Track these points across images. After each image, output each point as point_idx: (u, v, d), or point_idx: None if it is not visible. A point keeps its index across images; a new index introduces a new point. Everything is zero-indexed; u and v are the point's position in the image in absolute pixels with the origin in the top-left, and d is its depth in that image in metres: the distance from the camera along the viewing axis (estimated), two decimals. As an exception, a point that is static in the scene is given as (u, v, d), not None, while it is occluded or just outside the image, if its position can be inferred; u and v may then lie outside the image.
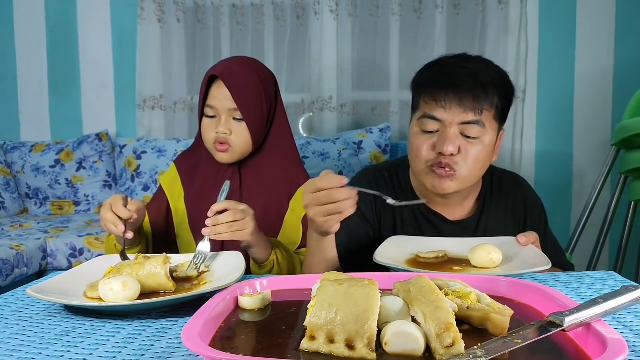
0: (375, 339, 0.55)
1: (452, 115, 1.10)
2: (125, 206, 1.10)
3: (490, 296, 0.68)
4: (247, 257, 1.11)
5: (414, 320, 0.59)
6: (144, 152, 2.86)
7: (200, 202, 1.32)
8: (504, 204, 1.25)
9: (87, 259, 2.28)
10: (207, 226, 1.04)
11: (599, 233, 2.35)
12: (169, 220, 1.37)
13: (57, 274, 0.93)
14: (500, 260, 0.97)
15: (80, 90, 3.15)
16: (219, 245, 1.21)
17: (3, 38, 3.16)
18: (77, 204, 2.93)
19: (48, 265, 2.34)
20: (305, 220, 1.35)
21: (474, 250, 0.98)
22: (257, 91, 1.30)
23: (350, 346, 0.55)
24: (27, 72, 3.17)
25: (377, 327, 0.56)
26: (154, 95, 3.01)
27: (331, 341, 0.55)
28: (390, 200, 1.00)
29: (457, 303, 0.64)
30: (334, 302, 0.57)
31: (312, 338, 0.56)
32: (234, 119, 1.28)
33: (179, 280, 0.92)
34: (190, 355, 0.63)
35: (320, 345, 0.56)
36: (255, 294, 0.74)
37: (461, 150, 1.11)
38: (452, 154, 1.10)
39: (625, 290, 0.62)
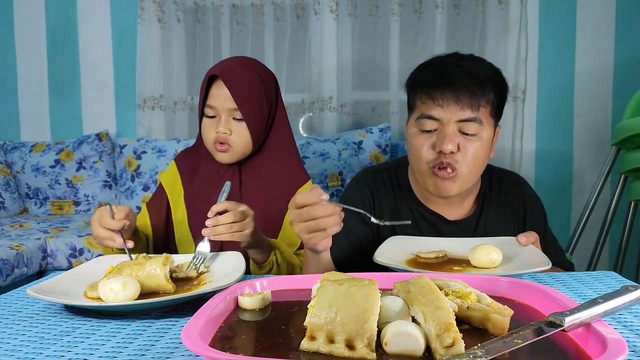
0: (375, 339, 0.55)
1: (450, 113, 1.10)
2: (113, 217, 1.06)
3: (490, 296, 0.68)
4: (246, 258, 1.11)
5: (414, 320, 0.59)
6: (144, 152, 2.86)
7: (199, 202, 1.32)
8: (503, 203, 1.25)
9: (87, 259, 2.28)
10: (207, 226, 1.04)
11: (599, 233, 2.35)
12: (169, 218, 1.37)
13: (57, 274, 0.93)
14: (500, 260, 0.97)
15: (80, 90, 3.15)
16: (219, 246, 1.21)
17: (3, 38, 3.16)
18: (77, 204, 2.93)
19: (48, 265, 2.34)
20: None
21: (474, 250, 0.98)
22: (257, 91, 1.29)
23: (350, 346, 0.55)
24: (27, 72, 3.17)
25: (377, 327, 0.56)
26: (154, 95, 3.01)
27: (331, 341, 0.55)
28: (374, 220, 1.00)
29: (457, 303, 0.64)
30: (334, 302, 0.57)
31: (312, 338, 0.56)
32: (234, 118, 1.28)
33: (179, 280, 0.91)
34: (190, 355, 0.63)
35: (320, 345, 0.56)
36: (255, 294, 0.74)
37: (460, 148, 1.11)
38: (451, 152, 1.10)
39: (625, 290, 0.62)
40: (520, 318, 0.66)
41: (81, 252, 2.33)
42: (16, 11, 3.15)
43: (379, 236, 1.22)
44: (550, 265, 0.91)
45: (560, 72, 2.84)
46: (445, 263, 1.02)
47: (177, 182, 1.38)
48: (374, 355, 0.54)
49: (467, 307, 0.63)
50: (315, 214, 0.92)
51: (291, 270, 1.24)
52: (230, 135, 1.28)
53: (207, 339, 0.59)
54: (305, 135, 2.97)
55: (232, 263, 0.95)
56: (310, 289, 0.71)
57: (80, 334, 0.71)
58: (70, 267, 2.31)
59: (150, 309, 0.79)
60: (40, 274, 2.31)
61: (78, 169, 2.91)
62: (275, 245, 1.22)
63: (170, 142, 2.87)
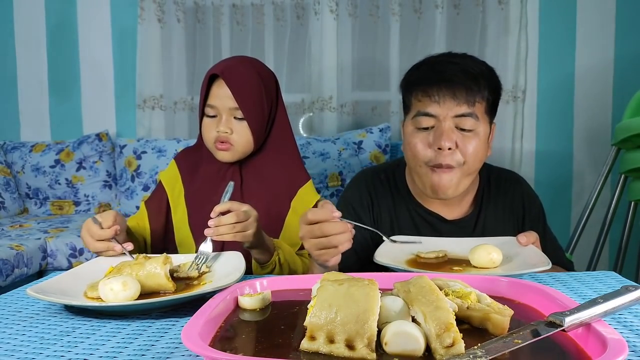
0: (375, 339, 0.55)
1: (446, 109, 1.11)
2: (101, 226, 1.03)
3: (490, 296, 0.68)
4: (248, 257, 1.11)
5: (414, 320, 0.59)
6: (144, 152, 2.86)
7: (200, 201, 1.32)
8: (502, 202, 1.26)
9: (87, 259, 2.27)
10: (209, 226, 1.04)
11: (599, 233, 2.35)
12: (169, 218, 1.37)
13: (57, 274, 0.93)
14: (500, 260, 0.97)
15: (80, 90, 3.15)
16: (220, 246, 1.21)
17: (3, 38, 3.16)
18: (77, 204, 2.93)
19: (48, 265, 2.34)
20: None
21: (474, 250, 0.98)
22: (258, 90, 1.29)
23: (350, 346, 0.55)
24: (27, 72, 3.17)
25: (377, 327, 0.56)
26: (154, 95, 3.01)
27: (331, 341, 0.55)
28: (386, 238, 1.02)
29: (457, 303, 0.64)
30: (334, 302, 0.57)
31: (312, 338, 0.56)
32: (235, 118, 1.28)
33: (179, 280, 0.92)
34: (190, 355, 0.63)
35: (320, 345, 0.56)
36: (255, 294, 0.74)
37: (458, 145, 1.12)
38: (449, 149, 1.11)
39: (625, 290, 0.62)
40: (520, 318, 0.66)
41: (81, 252, 2.33)
42: (16, 11, 3.15)
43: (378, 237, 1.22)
44: (550, 265, 0.91)
45: (560, 72, 2.84)
46: (445, 263, 1.02)
47: (178, 182, 1.38)
48: (374, 355, 0.54)
49: (467, 307, 0.63)
50: (327, 231, 0.92)
51: (294, 270, 1.24)
52: (231, 134, 1.28)
53: (207, 339, 0.59)
54: (305, 135, 2.97)
55: (232, 263, 0.95)
56: (310, 289, 0.71)
57: (80, 334, 0.71)
58: (70, 267, 2.31)
59: (150, 309, 0.79)
60: (40, 274, 2.31)
61: (78, 169, 2.91)
62: (277, 246, 1.22)
63: (170, 142, 2.87)
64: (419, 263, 1.01)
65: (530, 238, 1.05)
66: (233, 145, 1.29)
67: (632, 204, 2.29)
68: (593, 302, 0.60)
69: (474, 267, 0.98)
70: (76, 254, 2.33)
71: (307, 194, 1.37)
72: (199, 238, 1.30)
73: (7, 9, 3.15)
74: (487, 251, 0.97)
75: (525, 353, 0.56)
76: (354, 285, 0.59)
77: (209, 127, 1.30)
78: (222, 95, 1.27)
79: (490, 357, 0.52)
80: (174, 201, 1.36)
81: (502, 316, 0.61)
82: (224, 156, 1.30)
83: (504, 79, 2.73)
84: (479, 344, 0.54)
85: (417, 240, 1.07)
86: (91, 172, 2.91)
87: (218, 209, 1.05)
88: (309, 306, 0.61)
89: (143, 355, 0.63)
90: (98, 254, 1.05)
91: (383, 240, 1.10)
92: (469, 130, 1.12)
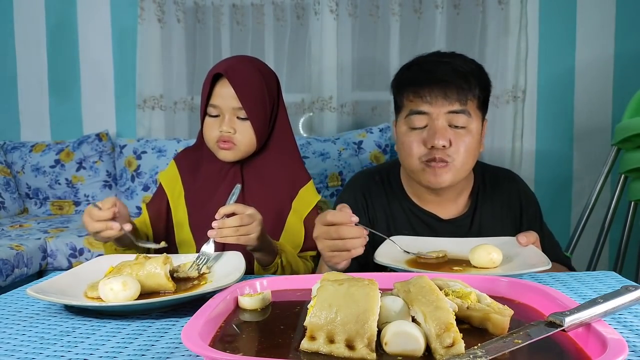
0: (375, 339, 0.55)
1: (439, 107, 1.12)
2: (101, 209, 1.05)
3: (490, 296, 0.68)
4: (249, 257, 1.11)
5: (414, 320, 0.59)
6: (144, 152, 2.86)
7: (201, 201, 1.31)
8: (498, 200, 1.26)
9: (87, 259, 2.28)
10: (213, 228, 1.04)
11: (599, 233, 2.35)
12: (169, 219, 1.37)
13: (57, 274, 0.93)
14: (500, 260, 0.97)
15: (80, 90, 3.15)
16: (221, 246, 1.21)
17: (3, 38, 3.16)
18: (77, 204, 2.93)
19: (48, 265, 2.34)
20: (307, 222, 1.35)
21: (474, 250, 0.98)
22: (260, 90, 1.29)
23: (350, 346, 0.55)
24: (27, 72, 3.17)
25: (377, 327, 0.56)
26: (154, 95, 3.01)
27: (331, 341, 0.55)
28: (401, 249, 1.03)
29: (457, 303, 0.64)
30: (334, 302, 0.57)
31: (312, 338, 0.56)
32: (237, 117, 1.28)
33: (180, 280, 0.92)
34: (190, 355, 0.63)
35: (320, 345, 0.56)
36: (255, 294, 0.74)
37: (452, 143, 1.13)
38: (443, 146, 1.12)
39: (625, 290, 0.62)
40: (520, 318, 0.66)
41: (81, 252, 2.33)
42: (16, 11, 3.15)
43: (374, 238, 1.22)
44: (550, 265, 0.91)
45: (560, 72, 2.84)
46: (445, 263, 1.02)
47: (178, 182, 1.37)
48: (374, 355, 0.54)
49: (467, 307, 0.63)
50: (343, 235, 0.94)
51: (295, 272, 1.24)
52: (234, 134, 1.27)
53: (207, 339, 0.59)
54: (305, 135, 2.96)
55: (232, 263, 0.95)
56: (310, 289, 0.71)
57: (80, 334, 0.71)
58: (70, 267, 2.31)
59: (150, 309, 0.79)
60: (40, 274, 2.31)
61: (78, 169, 2.91)
62: (281, 249, 1.22)
63: (170, 142, 2.87)
64: (419, 263, 1.01)
65: (530, 238, 1.05)
66: (236, 145, 1.28)
67: (632, 204, 2.29)
68: (593, 302, 0.60)
69: (474, 267, 0.98)
70: (76, 254, 2.33)
71: (308, 194, 1.36)
72: (199, 238, 1.30)
73: (7, 9, 3.15)
74: (487, 251, 0.97)
75: (525, 353, 0.56)
76: (354, 285, 0.59)
77: (211, 127, 1.29)
78: (225, 95, 1.26)
79: (490, 357, 0.52)
80: (174, 202, 1.36)
81: (502, 316, 0.61)
82: (226, 155, 1.29)
83: (504, 79, 2.78)
84: (479, 344, 0.54)
85: (430, 256, 1.04)
86: (91, 172, 2.91)
87: (223, 211, 1.05)
88: (309, 306, 0.61)
89: (143, 355, 0.63)
90: (95, 235, 1.06)
91: (377, 243, 1.10)
92: (462, 127, 1.14)
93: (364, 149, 2.69)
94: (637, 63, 2.76)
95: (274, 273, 1.20)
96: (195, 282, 0.90)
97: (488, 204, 1.25)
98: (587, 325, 0.58)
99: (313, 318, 0.57)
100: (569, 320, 0.57)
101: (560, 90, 2.85)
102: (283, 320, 0.67)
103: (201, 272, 0.94)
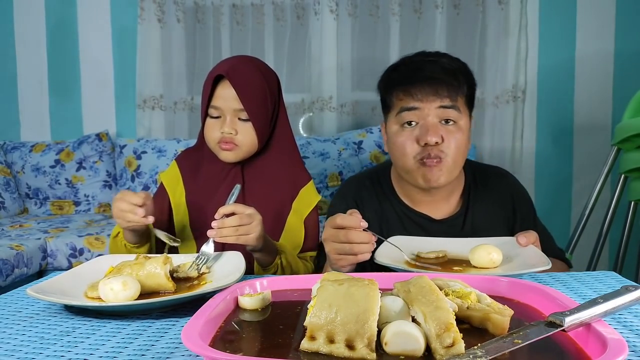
0: (375, 339, 0.55)
1: (430, 102, 1.14)
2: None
3: (490, 296, 0.68)
4: (249, 257, 1.11)
5: (414, 320, 0.59)
6: (144, 152, 2.86)
7: (201, 202, 1.31)
8: (489, 197, 1.26)
9: (87, 259, 2.28)
10: (212, 227, 1.04)
11: (599, 233, 2.35)
12: (171, 219, 1.37)
13: (57, 274, 0.93)
14: (500, 260, 0.97)
15: (80, 90, 3.15)
16: (220, 246, 1.21)
17: (3, 38, 3.16)
18: (77, 204, 2.93)
19: (48, 265, 2.34)
20: (307, 223, 1.35)
21: (474, 250, 0.98)
22: (262, 91, 1.29)
23: (350, 346, 0.55)
24: (27, 72, 3.17)
25: (377, 327, 0.56)
26: (154, 95, 3.01)
27: (331, 341, 0.55)
28: (407, 257, 1.02)
29: (457, 303, 0.64)
30: (334, 302, 0.57)
31: (312, 338, 0.56)
32: (239, 119, 1.27)
33: (179, 280, 0.92)
34: (190, 355, 0.63)
35: (320, 345, 0.56)
36: (255, 294, 0.74)
37: (444, 139, 1.14)
38: (436, 143, 1.13)
39: (625, 290, 0.62)
40: (520, 318, 0.66)
41: (81, 252, 2.33)
42: (16, 11, 3.15)
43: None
44: (550, 265, 0.91)
45: (560, 72, 2.84)
46: (445, 263, 1.02)
47: (179, 182, 1.37)
48: (374, 355, 0.54)
49: (467, 307, 0.63)
50: (351, 239, 0.95)
51: (295, 273, 1.24)
52: (235, 135, 1.27)
53: (207, 339, 0.59)
54: (305, 135, 2.96)
55: (232, 263, 0.95)
56: (310, 289, 0.71)
57: (80, 334, 0.71)
58: (70, 267, 2.31)
59: (150, 309, 0.79)
60: (40, 274, 2.31)
61: (78, 169, 2.91)
62: (281, 249, 1.22)
63: (171, 142, 2.87)
64: (419, 264, 1.01)
65: (530, 238, 1.05)
66: (237, 146, 1.28)
67: (632, 204, 2.29)
68: (593, 302, 0.60)
69: (474, 267, 0.98)
70: (76, 254, 2.33)
71: (308, 194, 1.36)
72: (200, 238, 1.30)
73: (7, 9, 3.15)
74: (487, 251, 0.97)
75: (525, 353, 0.56)
76: (354, 285, 0.59)
77: (212, 128, 1.29)
78: (226, 97, 1.26)
79: (490, 357, 0.52)
80: (176, 202, 1.36)
81: (502, 316, 0.61)
82: (227, 156, 1.29)
83: (504, 79, 2.78)
84: (479, 344, 0.54)
85: (436, 268, 1.03)
86: (91, 172, 2.91)
87: (222, 210, 1.05)
88: (309, 306, 0.61)
89: (143, 355, 0.63)
90: (120, 217, 1.10)
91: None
92: (453, 123, 1.15)
93: (364, 149, 2.70)
94: (637, 63, 2.76)
95: (274, 273, 1.20)
96: (195, 282, 0.90)
97: (480, 202, 1.25)
98: (587, 325, 0.58)
99: (313, 318, 0.57)
100: (569, 320, 0.57)
101: (560, 90, 2.85)
102: (283, 320, 0.67)
103: (201, 272, 0.94)
